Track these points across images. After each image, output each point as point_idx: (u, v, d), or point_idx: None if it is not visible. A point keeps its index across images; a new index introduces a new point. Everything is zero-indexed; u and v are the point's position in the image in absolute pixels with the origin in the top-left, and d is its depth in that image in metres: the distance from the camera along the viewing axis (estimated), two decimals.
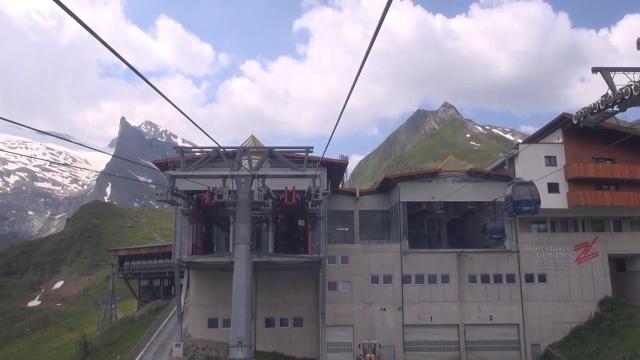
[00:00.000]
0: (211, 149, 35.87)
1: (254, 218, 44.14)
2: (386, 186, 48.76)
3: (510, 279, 45.79)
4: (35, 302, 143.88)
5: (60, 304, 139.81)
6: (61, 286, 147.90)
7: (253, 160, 36.63)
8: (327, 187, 35.77)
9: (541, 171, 43.85)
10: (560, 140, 46.34)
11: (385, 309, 44.96)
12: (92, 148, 19.23)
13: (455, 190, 43.78)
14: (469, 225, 54.16)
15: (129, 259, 79.84)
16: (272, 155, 38.67)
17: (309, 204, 37.51)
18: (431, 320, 44.71)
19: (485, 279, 45.77)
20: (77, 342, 76.37)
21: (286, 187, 39.57)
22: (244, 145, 36.44)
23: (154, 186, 35.95)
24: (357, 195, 49.26)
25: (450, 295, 45.34)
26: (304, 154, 35.52)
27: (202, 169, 35.97)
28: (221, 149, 35.11)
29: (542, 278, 45.83)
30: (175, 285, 42.48)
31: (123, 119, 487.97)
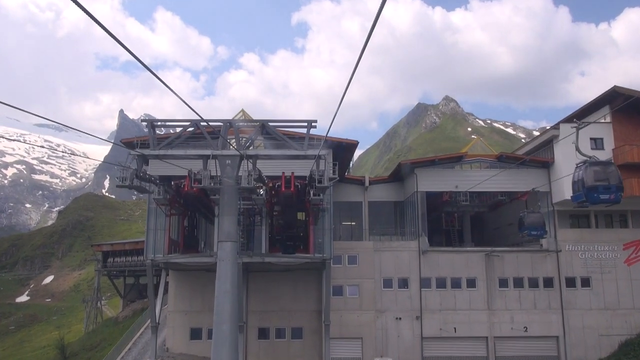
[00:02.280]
0: (189, 123, 28.21)
1: (244, 210, 36.51)
2: (401, 173, 40.99)
3: (548, 283, 38.16)
4: (24, 298, 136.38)
5: (49, 300, 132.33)
6: (51, 281, 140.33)
7: (242, 138, 28.99)
8: (334, 171, 28.14)
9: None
10: (608, 120, 38.61)
11: (400, 319, 37.32)
12: (93, 135, 17.19)
13: (487, 177, 35.98)
14: (493, 219, 46.49)
15: (113, 255, 72.14)
16: (267, 132, 30.98)
17: (311, 192, 29.98)
18: (455, 331, 37.08)
19: (518, 283, 38.12)
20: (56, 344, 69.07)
21: (283, 173, 32.09)
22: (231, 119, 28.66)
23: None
24: (367, 183, 41.54)
25: (478, 302, 37.69)
26: (305, 129, 27.99)
27: (179, 148, 28.36)
28: (202, 123, 27.59)
29: (586, 282, 38.19)
30: (149, 291, 34.80)
31: (122, 111, 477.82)
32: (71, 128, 15.59)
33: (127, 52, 8.65)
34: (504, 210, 42.91)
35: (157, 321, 33.90)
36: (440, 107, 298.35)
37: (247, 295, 37.24)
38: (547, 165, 38.94)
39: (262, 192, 31.59)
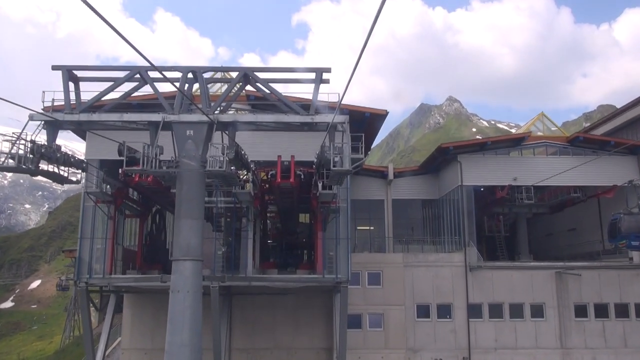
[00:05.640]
0: (129, 72, 17.70)
1: (226, 210, 25.90)
2: (437, 162, 30.31)
3: None
4: (8, 304, 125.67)
5: (35, 306, 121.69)
6: (38, 286, 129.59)
7: (216, 101, 18.62)
8: (360, 150, 17.54)
9: None
10: None
11: None
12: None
13: (569, 167, 25.39)
14: (545, 223, 35.72)
15: None
16: (255, 100, 21.08)
17: (320, 184, 19.52)
18: None
19: (601, 311, 27.38)
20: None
21: (279, 157, 21.39)
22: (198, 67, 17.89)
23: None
24: (390, 176, 30.88)
25: (547, 337, 26.95)
26: (313, 83, 17.64)
27: (114, 112, 17.93)
28: (148, 71, 17.21)
29: None
30: (84, 328, 24.03)
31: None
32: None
33: (128, 48, 5.29)
34: (577, 211, 32.17)
35: None
36: (444, 108, 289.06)
37: (230, 327, 26.47)
38: (637, 150, 28.21)
39: (249, 185, 21.07)
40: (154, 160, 15.96)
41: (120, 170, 22.71)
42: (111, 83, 17.49)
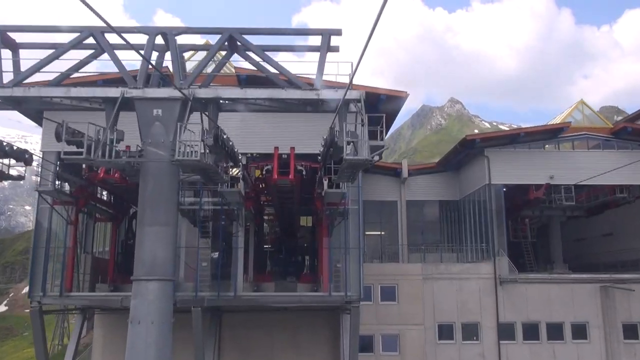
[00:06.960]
0: (79, 33, 13.56)
1: (215, 212, 21.87)
2: (459, 157, 26.18)
3: None
4: (2, 308, 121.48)
5: (28, 311, 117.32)
6: None
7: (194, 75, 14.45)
8: (379, 136, 13.39)
9: None
10: None
11: None
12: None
13: (613, 163, 21.49)
14: (576, 227, 31.55)
15: None
16: (245, 79, 17.34)
17: (326, 181, 15.49)
18: None
19: None
20: None
21: (276, 149, 17.25)
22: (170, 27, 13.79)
23: None
24: (404, 174, 26.78)
25: None
26: (319, 51, 13.52)
27: (60, 87, 13.80)
28: (104, 33, 13.04)
29: None
30: (36, 354, 19.96)
31: None
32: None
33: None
34: (619, 214, 28.02)
35: None
36: (446, 109, 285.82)
37: (219, 349, 22.37)
38: None
39: (239, 183, 17.03)
40: (107, 148, 11.89)
41: (83, 165, 18.62)
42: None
